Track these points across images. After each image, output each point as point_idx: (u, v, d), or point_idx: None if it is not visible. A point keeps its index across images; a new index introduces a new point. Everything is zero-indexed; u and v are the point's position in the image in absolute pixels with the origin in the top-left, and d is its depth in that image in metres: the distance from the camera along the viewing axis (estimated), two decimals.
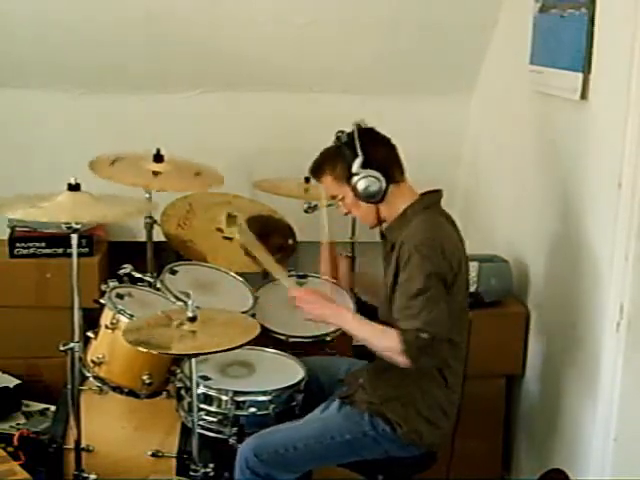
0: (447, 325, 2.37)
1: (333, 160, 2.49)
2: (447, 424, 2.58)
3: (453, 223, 2.55)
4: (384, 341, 2.39)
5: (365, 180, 2.43)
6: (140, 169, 3.21)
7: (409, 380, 2.48)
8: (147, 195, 3.25)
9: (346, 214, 2.59)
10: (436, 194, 2.54)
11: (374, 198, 2.46)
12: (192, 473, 2.64)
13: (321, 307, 2.55)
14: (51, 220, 2.80)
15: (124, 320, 2.74)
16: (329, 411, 2.58)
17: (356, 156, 2.43)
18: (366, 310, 3.21)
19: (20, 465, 2.85)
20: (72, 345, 2.71)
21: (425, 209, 2.49)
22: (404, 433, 2.48)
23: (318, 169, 2.54)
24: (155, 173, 3.20)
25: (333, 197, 2.56)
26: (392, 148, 2.52)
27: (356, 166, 2.43)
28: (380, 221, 2.54)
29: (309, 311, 2.56)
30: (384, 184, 2.44)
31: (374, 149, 2.45)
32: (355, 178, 2.44)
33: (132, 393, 2.79)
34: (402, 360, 2.34)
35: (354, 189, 2.45)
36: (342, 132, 2.48)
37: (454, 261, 2.42)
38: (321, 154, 2.54)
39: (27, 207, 2.61)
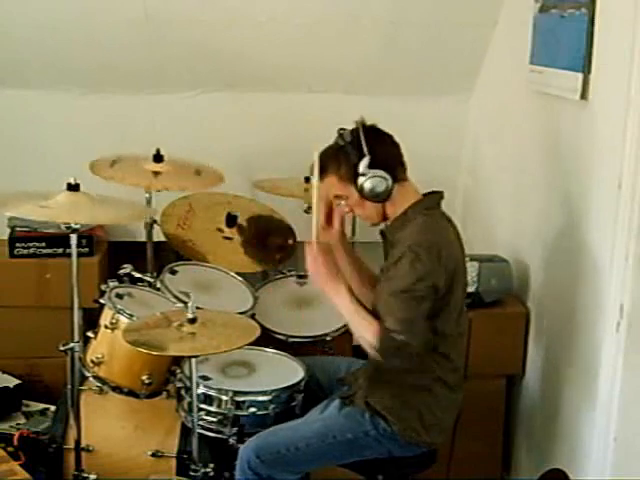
0: (422, 328, 2.36)
1: (338, 160, 2.45)
2: (448, 423, 2.58)
3: (453, 225, 2.55)
4: (364, 332, 2.41)
5: (372, 180, 2.40)
6: (140, 169, 3.22)
7: (409, 380, 2.48)
8: (147, 195, 3.25)
9: (347, 213, 2.57)
10: (437, 195, 2.54)
11: (380, 197, 2.44)
12: (192, 473, 2.64)
13: (323, 279, 2.51)
14: (50, 220, 2.80)
15: (124, 320, 2.74)
16: (330, 411, 2.57)
17: (362, 156, 2.40)
18: (366, 309, 3.22)
19: (20, 465, 2.84)
20: (72, 345, 2.71)
21: (426, 210, 2.48)
22: (403, 433, 2.48)
23: (322, 169, 2.49)
24: (155, 173, 3.21)
25: (336, 197, 2.52)
26: (396, 146, 2.49)
27: (363, 166, 2.40)
28: (384, 219, 2.53)
29: (312, 275, 2.54)
30: (390, 183, 2.42)
31: (380, 148, 2.43)
32: (362, 178, 2.41)
33: (132, 393, 2.79)
34: (375, 355, 2.39)
35: (360, 189, 2.43)
36: (344, 130, 2.45)
37: (450, 264, 2.41)
38: (323, 154, 2.49)
39: (26, 204, 2.61)
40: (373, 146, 2.41)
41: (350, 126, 2.46)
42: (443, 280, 2.38)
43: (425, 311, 2.37)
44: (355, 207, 2.50)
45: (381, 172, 2.41)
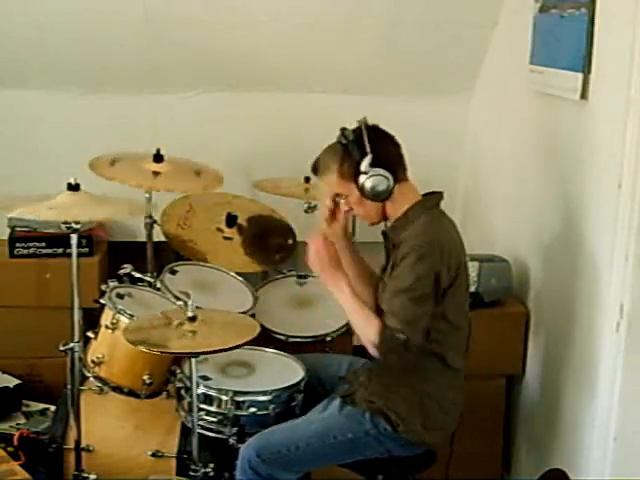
0: (424, 328, 2.38)
1: (340, 158, 2.45)
2: (448, 424, 2.58)
3: (453, 224, 2.55)
4: (364, 327, 2.42)
5: (373, 179, 2.41)
6: (140, 169, 3.21)
7: (411, 380, 2.49)
8: (147, 195, 3.25)
9: (347, 212, 2.57)
10: (437, 195, 2.54)
11: (381, 197, 2.44)
12: (192, 473, 2.64)
13: (324, 269, 2.52)
14: (55, 219, 2.80)
15: (124, 320, 2.74)
16: (330, 410, 2.57)
17: (365, 154, 2.40)
18: None
19: (20, 465, 2.84)
20: (72, 345, 2.71)
21: (427, 210, 2.49)
22: (405, 432, 2.48)
23: (324, 167, 2.50)
24: (155, 173, 3.20)
25: (337, 195, 2.53)
26: (397, 146, 2.50)
27: (365, 165, 2.40)
28: (384, 219, 2.53)
29: (312, 265, 2.54)
30: (392, 183, 2.43)
31: (382, 147, 2.43)
32: (363, 177, 2.41)
33: (132, 393, 2.79)
34: (372, 350, 2.40)
35: (361, 188, 2.43)
36: (346, 129, 2.44)
37: (453, 263, 2.42)
38: (324, 152, 2.50)
39: (26, 206, 2.61)
40: (375, 145, 2.41)
41: (351, 126, 2.47)
42: (446, 278, 2.39)
43: (428, 310, 2.38)
44: (355, 206, 2.50)
45: (383, 171, 2.41)
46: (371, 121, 2.48)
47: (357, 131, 2.43)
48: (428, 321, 2.39)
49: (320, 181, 2.56)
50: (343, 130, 2.45)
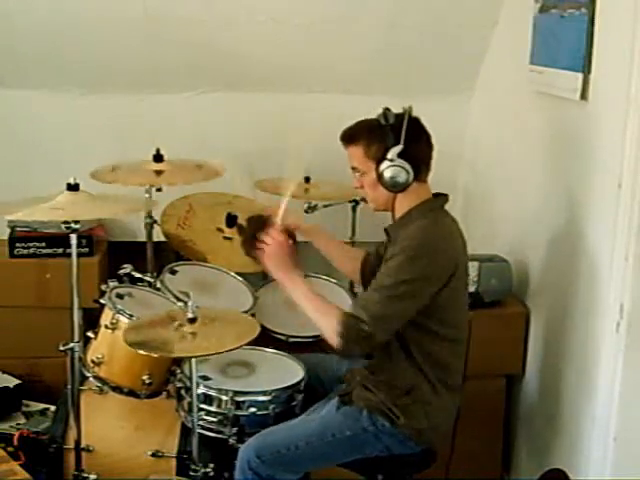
0: (393, 329, 2.38)
1: (372, 136, 2.43)
2: (446, 421, 2.58)
3: (456, 226, 2.55)
4: (324, 318, 2.42)
5: (394, 169, 2.40)
6: (142, 170, 3.22)
7: (408, 378, 2.49)
8: (147, 195, 3.25)
9: (357, 187, 2.55)
10: (443, 198, 2.54)
11: (395, 188, 2.43)
12: (192, 473, 2.64)
13: (276, 264, 2.54)
14: (50, 219, 2.79)
15: (124, 320, 2.74)
16: (328, 409, 2.58)
17: (397, 143, 2.39)
18: None
19: (20, 465, 2.85)
20: (72, 345, 2.71)
21: (430, 212, 2.49)
22: (404, 426, 2.48)
23: (353, 137, 2.47)
24: (157, 172, 3.21)
25: (353, 168, 2.51)
26: (430, 147, 2.50)
27: (393, 153, 2.39)
28: (390, 209, 2.53)
29: (265, 259, 2.55)
30: (411, 178, 2.42)
31: (415, 143, 2.43)
32: (386, 163, 2.41)
33: (132, 393, 2.79)
34: (333, 340, 2.37)
35: (381, 173, 2.42)
36: (389, 110, 2.42)
37: (449, 263, 2.41)
38: (361, 123, 2.47)
39: (26, 209, 2.61)
40: (410, 138, 2.40)
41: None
42: (435, 284, 2.39)
43: (403, 312, 2.37)
44: (367, 187, 2.50)
45: (407, 165, 2.41)
46: None
47: (399, 117, 2.42)
48: (400, 323, 2.39)
49: (346, 149, 2.51)
50: (386, 111, 2.42)
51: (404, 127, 2.39)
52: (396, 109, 2.48)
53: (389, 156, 2.40)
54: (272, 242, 2.56)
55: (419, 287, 2.37)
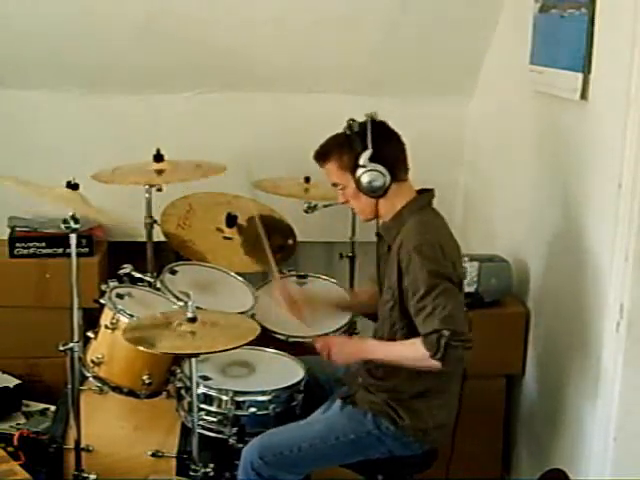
0: (463, 317, 2.36)
1: (341, 148, 2.46)
2: (449, 421, 2.58)
3: (445, 224, 2.56)
4: (412, 353, 2.38)
5: (370, 174, 2.42)
6: (142, 170, 3.22)
7: (409, 380, 2.48)
8: (147, 195, 3.26)
9: (343, 203, 2.57)
10: (429, 194, 2.55)
11: (375, 193, 2.45)
12: (192, 473, 2.64)
13: (344, 353, 2.56)
14: (52, 212, 2.79)
15: (124, 320, 2.74)
16: (332, 411, 2.58)
17: (365, 148, 2.41)
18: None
19: (20, 465, 2.85)
20: (72, 345, 2.70)
21: (420, 209, 2.49)
22: (410, 429, 2.48)
23: (325, 155, 2.50)
24: (158, 172, 3.21)
25: (334, 185, 2.53)
26: (401, 146, 2.50)
27: (364, 158, 2.41)
28: (377, 216, 2.54)
29: (335, 360, 2.57)
30: (388, 180, 2.43)
31: (384, 144, 2.44)
32: (360, 170, 2.42)
33: (132, 393, 2.79)
34: (433, 364, 2.32)
35: (357, 181, 2.44)
36: (353, 121, 2.44)
37: (455, 260, 2.43)
38: (329, 140, 2.51)
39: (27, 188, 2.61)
40: (378, 141, 2.42)
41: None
42: (452, 272, 2.39)
43: (455, 301, 2.35)
44: (351, 199, 2.52)
45: (380, 167, 2.42)
46: None
47: (363, 124, 2.44)
48: (463, 310, 2.37)
49: (322, 168, 2.55)
50: (350, 121, 2.45)
51: (369, 131, 2.41)
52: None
53: (361, 162, 2.42)
54: (326, 347, 2.58)
55: (446, 276, 2.36)
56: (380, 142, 2.42)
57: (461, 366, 2.53)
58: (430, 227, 2.46)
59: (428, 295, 2.34)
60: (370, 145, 2.40)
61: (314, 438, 2.51)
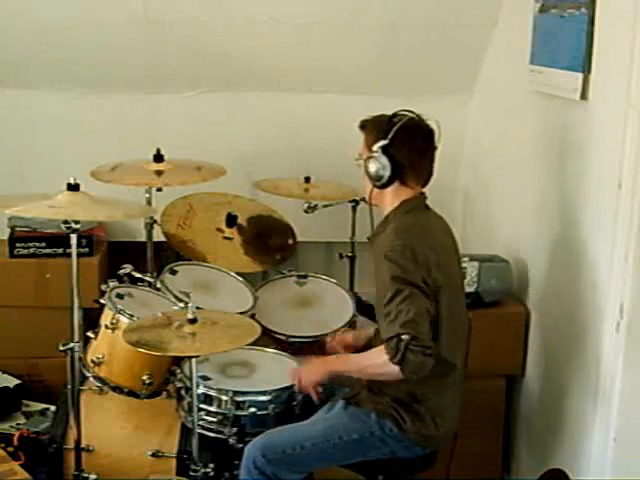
0: (426, 324, 2.34)
1: (373, 127, 2.52)
2: (452, 421, 2.58)
3: (439, 223, 2.56)
4: (373, 360, 2.40)
5: (374, 160, 2.46)
6: (142, 170, 3.22)
7: (409, 382, 2.47)
8: (147, 195, 3.25)
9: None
10: (420, 198, 2.54)
11: (372, 180, 2.49)
12: (192, 473, 2.64)
13: (310, 372, 2.59)
14: (51, 218, 2.79)
15: (124, 320, 2.74)
16: (335, 411, 2.58)
17: (385, 138, 2.45)
18: (366, 310, 3.22)
19: (20, 465, 2.85)
20: (72, 345, 2.71)
21: (406, 213, 2.50)
22: (414, 432, 2.47)
23: (363, 125, 2.56)
24: (157, 172, 3.21)
25: (360, 154, 2.57)
26: (425, 155, 2.52)
27: (377, 145, 2.45)
28: (370, 202, 2.57)
29: (306, 382, 2.59)
30: (387, 176, 2.46)
31: (403, 144, 2.46)
32: (369, 154, 2.48)
33: (132, 393, 2.79)
34: (393, 370, 2.32)
35: (365, 160, 2.49)
36: (403, 111, 2.49)
37: (431, 262, 2.39)
38: (376, 116, 2.55)
39: (26, 204, 2.60)
40: (401, 138, 2.45)
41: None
42: (422, 277, 2.37)
43: (418, 306, 2.34)
44: (364, 173, 2.56)
45: (386, 161, 2.45)
46: None
47: (400, 117, 2.48)
48: (428, 317, 2.35)
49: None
50: (400, 110, 2.50)
51: (398, 125, 2.45)
52: (396, 109, 2.49)
53: (374, 147, 2.46)
54: (295, 376, 2.64)
55: (412, 281, 2.35)
56: (400, 141, 2.45)
57: (443, 374, 2.50)
58: (404, 232, 2.45)
59: (392, 301, 2.35)
60: (390, 137, 2.44)
61: (317, 437, 2.51)
